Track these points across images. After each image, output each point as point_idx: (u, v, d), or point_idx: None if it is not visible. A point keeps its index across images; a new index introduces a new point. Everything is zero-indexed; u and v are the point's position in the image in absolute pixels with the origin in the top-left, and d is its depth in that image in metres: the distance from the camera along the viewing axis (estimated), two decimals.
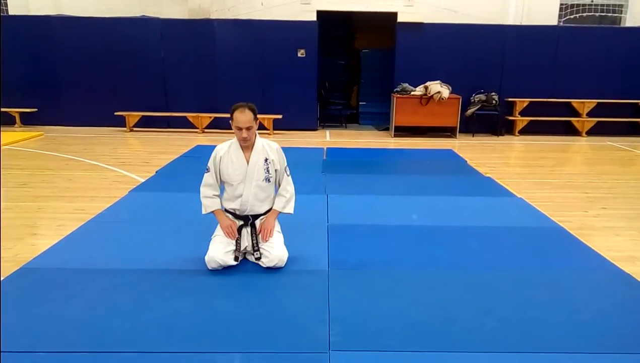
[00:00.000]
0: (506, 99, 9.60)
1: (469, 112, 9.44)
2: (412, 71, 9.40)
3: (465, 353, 2.29)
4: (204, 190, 3.18)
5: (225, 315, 2.58)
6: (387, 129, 9.91)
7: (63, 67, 9.39)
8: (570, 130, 9.72)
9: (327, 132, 9.84)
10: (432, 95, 8.97)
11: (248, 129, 3.00)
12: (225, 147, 3.15)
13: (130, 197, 4.75)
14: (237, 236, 3.15)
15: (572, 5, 10.24)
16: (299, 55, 9.45)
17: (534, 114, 9.55)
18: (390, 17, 9.92)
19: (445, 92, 8.97)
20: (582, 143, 9.07)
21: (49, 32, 9.25)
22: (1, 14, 9.88)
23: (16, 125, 9.32)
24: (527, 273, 3.15)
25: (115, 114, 9.27)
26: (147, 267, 3.14)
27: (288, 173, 3.26)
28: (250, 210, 3.19)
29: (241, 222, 3.19)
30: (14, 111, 9.28)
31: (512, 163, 7.56)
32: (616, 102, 9.56)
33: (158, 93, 9.53)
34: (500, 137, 9.45)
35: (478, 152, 7.99)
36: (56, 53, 9.33)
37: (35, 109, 9.37)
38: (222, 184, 3.22)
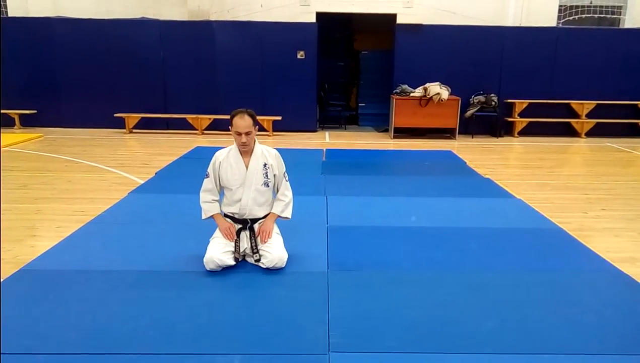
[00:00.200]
0: (505, 101, 9.61)
1: (468, 113, 9.45)
2: (411, 73, 9.41)
3: (465, 355, 2.29)
4: (204, 196, 3.21)
5: (225, 317, 2.58)
6: (386, 131, 9.92)
7: (62, 68, 9.40)
8: (569, 131, 9.74)
9: (327, 133, 9.85)
10: (432, 97, 8.98)
11: (247, 134, 3.04)
12: (225, 153, 3.19)
13: (130, 199, 4.75)
14: (235, 238, 3.16)
15: (571, 7, 10.26)
16: (299, 56, 9.46)
17: (533, 115, 9.56)
18: (389, 19, 9.94)
19: (445, 93, 8.98)
20: (582, 144, 9.08)
21: (48, 33, 9.26)
22: (1, 15, 9.88)
23: (16, 127, 9.32)
24: (527, 275, 3.15)
25: (115, 115, 9.26)
26: (146, 268, 3.14)
27: (286, 178, 3.29)
28: (249, 214, 3.21)
29: (240, 226, 3.20)
30: (14, 113, 9.28)
31: (511, 164, 7.57)
32: (615, 104, 9.58)
33: (157, 95, 9.53)
34: (500, 139, 9.46)
35: (477, 153, 7.99)
36: (56, 55, 9.34)
37: (35, 111, 9.38)
38: (221, 190, 3.25)
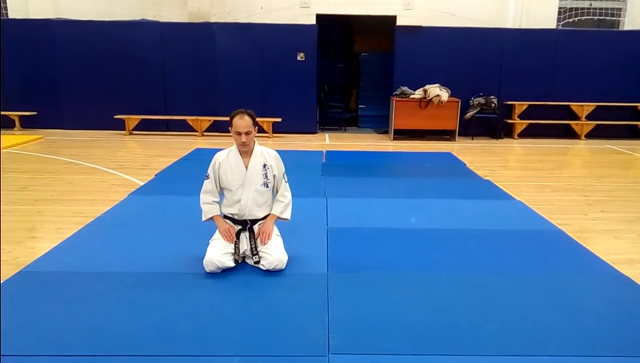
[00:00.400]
0: (505, 102, 9.61)
1: (468, 115, 9.45)
2: (411, 74, 9.42)
3: (465, 357, 2.29)
4: (204, 197, 3.22)
5: (224, 318, 2.58)
6: (386, 132, 9.92)
7: (63, 70, 9.41)
8: (569, 133, 9.74)
9: (327, 135, 9.85)
10: (431, 99, 8.98)
11: (247, 133, 3.06)
12: (225, 154, 3.21)
13: (130, 200, 4.75)
14: (235, 240, 3.16)
15: (571, 9, 10.27)
16: (299, 58, 9.47)
17: (532, 117, 9.57)
18: (389, 21, 9.95)
19: (444, 95, 8.99)
20: (581, 146, 9.08)
21: (48, 35, 9.27)
22: (1, 17, 9.90)
23: (16, 129, 9.32)
24: (527, 276, 3.15)
25: (115, 117, 9.27)
26: (146, 270, 3.14)
27: (286, 179, 3.30)
28: (248, 215, 3.21)
29: (239, 227, 3.21)
30: (14, 114, 9.28)
31: (511, 166, 7.57)
32: (615, 105, 9.59)
33: (157, 96, 9.54)
34: (499, 140, 9.46)
35: (477, 155, 8.00)
36: (56, 56, 9.35)
37: (35, 113, 9.38)
38: (221, 191, 3.26)
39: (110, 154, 7.46)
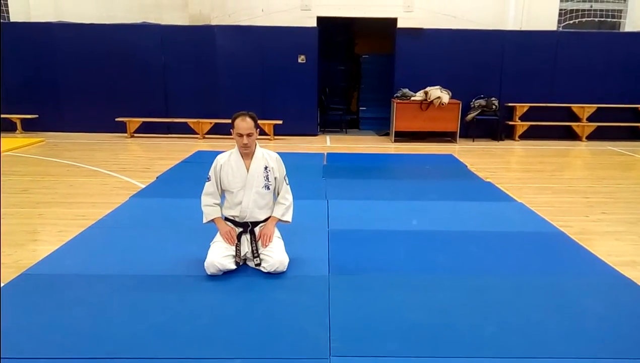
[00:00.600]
0: (506, 104, 9.61)
1: (469, 117, 9.45)
2: (412, 76, 9.42)
3: (466, 359, 2.29)
4: (205, 199, 3.22)
5: (226, 321, 2.58)
6: (387, 134, 9.92)
7: (64, 73, 9.43)
8: (570, 135, 9.74)
9: (328, 137, 9.86)
10: (432, 101, 8.99)
11: (249, 135, 3.07)
12: (226, 156, 3.21)
13: (131, 203, 4.75)
14: (236, 242, 3.16)
15: (572, 11, 10.27)
16: (300, 61, 9.48)
17: (533, 118, 9.57)
18: (390, 23, 9.97)
19: (445, 97, 8.99)
20: (582, 148, 9.07)
21: (50, 38, 9.29)
22: (2, 20, 9.93)
23: (17, 132, 9.33)
24: (528, 278, 3.15)
25: (116, 120, 9.29)
26: (147, 272, 3.14)
27: (287, 182, 3.30)
28: (249, 217, 3.21)
29: (240, 229, 3.21)
30: (15, 117, 9.30)
31: (512, 168, 7.57)
32: (616, 107, 9.58)
33: (159, 99, 9.55)
34: (500, 142, 9.45)
35: (478, 157, 7.99)
36: (57, 59, 9.37)
37: (36, 115, 9.39)
38: (222, 194, 3.26)
39: (112, 157, 7.47)
